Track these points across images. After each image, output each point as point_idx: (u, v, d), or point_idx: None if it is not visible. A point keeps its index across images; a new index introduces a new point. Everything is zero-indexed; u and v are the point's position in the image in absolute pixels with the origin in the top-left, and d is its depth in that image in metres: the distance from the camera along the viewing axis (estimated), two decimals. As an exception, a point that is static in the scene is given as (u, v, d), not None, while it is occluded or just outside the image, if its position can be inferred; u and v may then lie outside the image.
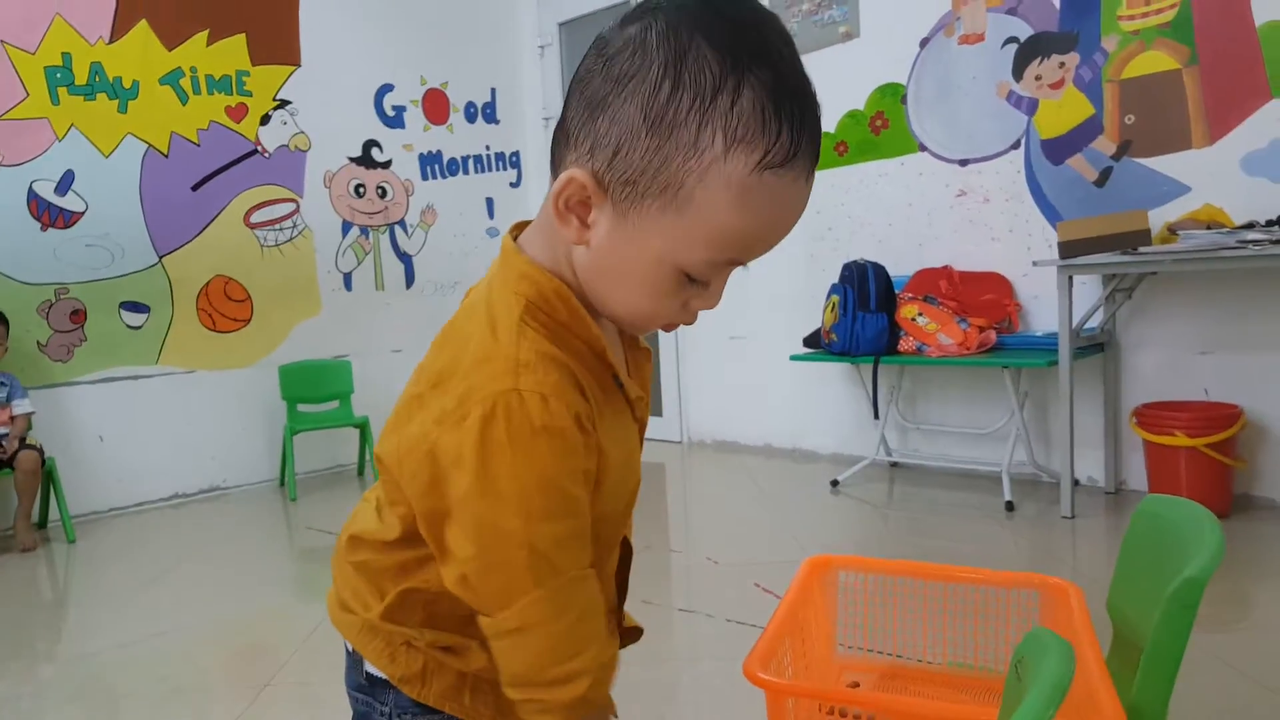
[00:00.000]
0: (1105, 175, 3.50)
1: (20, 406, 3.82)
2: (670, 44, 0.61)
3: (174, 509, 4.33)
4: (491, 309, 0.70)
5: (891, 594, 1.24)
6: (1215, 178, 3.22)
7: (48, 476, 3.83)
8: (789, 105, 0.61)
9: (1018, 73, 3.69)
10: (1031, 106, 3.67)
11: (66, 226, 4.13)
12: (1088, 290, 3.45)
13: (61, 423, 4.11)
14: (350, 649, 0.83)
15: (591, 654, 0.67)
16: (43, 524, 3.92)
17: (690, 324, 0.73)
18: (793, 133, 0.62)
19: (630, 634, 0.89)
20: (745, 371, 4.68)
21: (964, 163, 3.88)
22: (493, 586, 0.66)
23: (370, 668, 0.80)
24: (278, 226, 4.76)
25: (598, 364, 0.72)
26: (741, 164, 0.61)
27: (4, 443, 3.71)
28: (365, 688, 0.81)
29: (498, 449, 0.63)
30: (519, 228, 0.76)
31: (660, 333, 0.84)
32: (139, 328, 4.35)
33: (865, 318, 3.72)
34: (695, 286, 0.69)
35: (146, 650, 2.56)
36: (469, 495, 0.64)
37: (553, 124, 5.57)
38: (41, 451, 3.80)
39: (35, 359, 4.07)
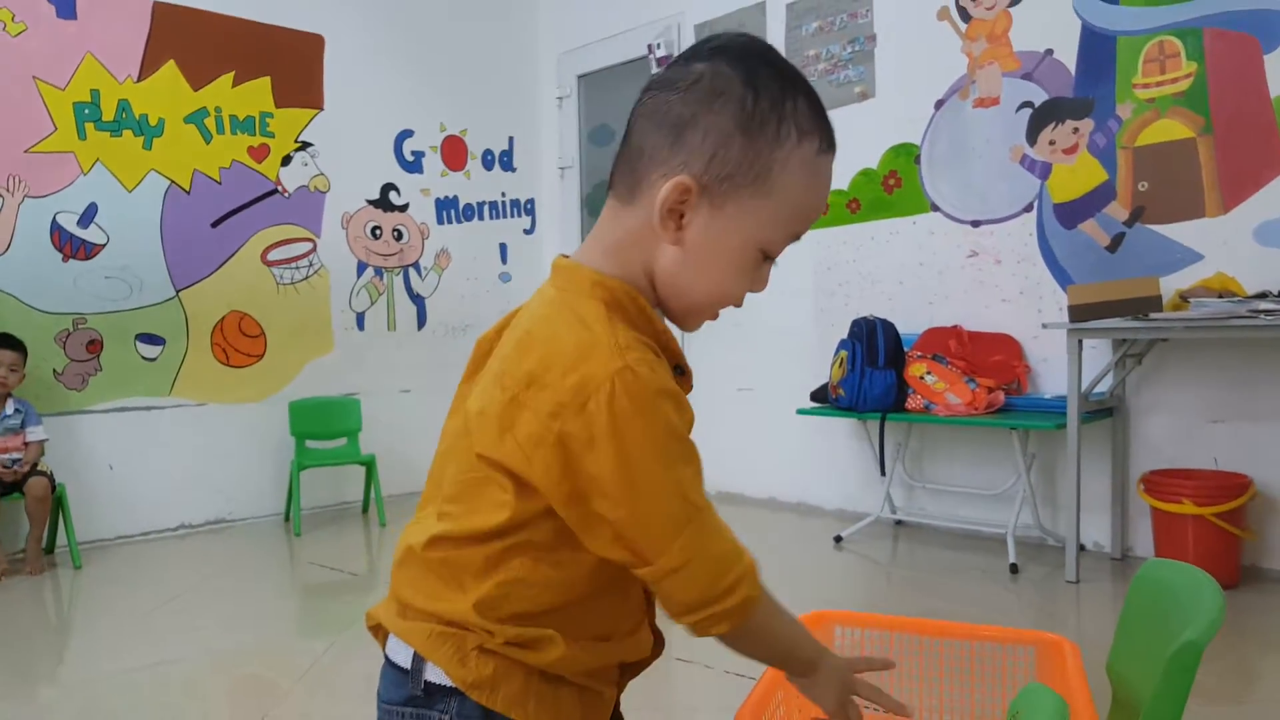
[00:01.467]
0: (1118, 241, 3.52)
1: (34, 434, 3.85)
2: (742, 69, 0.79)
3: (180, 539, 4.33)
4: (576, 311, 0.80)
5: (888, 650, 1.23)
6: (1228, 246, 3.24)
7: (57, 503, 3.85)
8: (823, 108, 0.84)
9: (1031, 137, 3.75)
10: (1045, 170, 3.72)
11: (88, 258, 4.20)
12: (1098, 354, 3.45)
13: (73, 450, 4.13)
14: (396, 662, 0.83)
15: (744, 562, 0.79)
16: (50, 549, 3.93)
17: (740, 305, 0.88)
18: (829, 126, 0.84)
19: (660, 641, 0.93)
20: (751, 424, 4.68)
21: (976, 224, 3.92)
22: (651, 535, 0.75)
23: (431, 675, 0.80)
24: (294, 265, 4.82)
25: (665, 358, 0.82)
26: (810, 148, 0.81)
27: (16, 468, 3.74)
28: (419, 699, 0.81)
29: (626, 419, 0.73)
30: (564, 258, 0.87)
31: None
32: (154, 359, 4.40)
33: (873, 374, 3.73)
34: (763, 267, 0.85)
35: (148, 678, 2.55)
36: (612, 467, 0.73)
37: (570, 173, 5.69)
38: (52, 478, 3.82)
39: (51, 387, 4.11)
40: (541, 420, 0.74)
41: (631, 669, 0.90)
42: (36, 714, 2.33)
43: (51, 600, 3.49)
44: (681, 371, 0.85)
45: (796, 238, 0.85)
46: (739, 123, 0.78)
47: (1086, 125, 3.60)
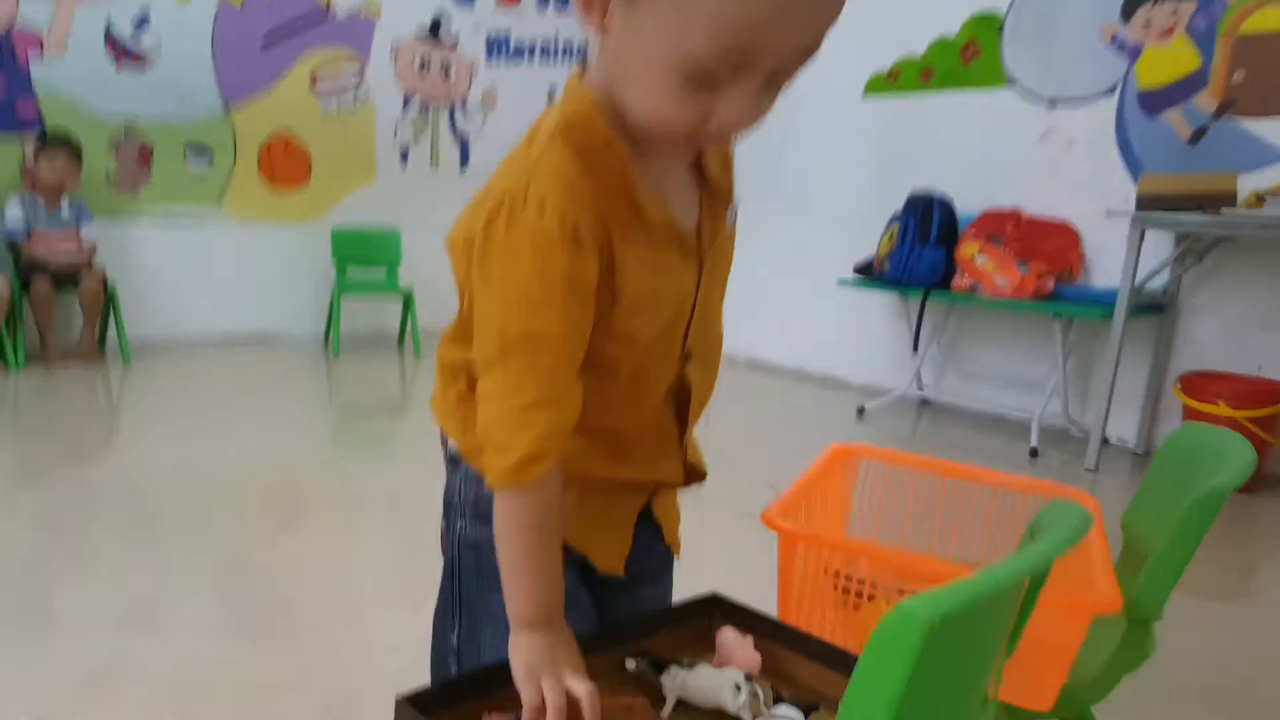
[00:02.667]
0: (1199, 134, 3.35)
1: (88, 232, 3.95)
2: None
3: (222, 349, 4.47)
4: (538, 125, 0.77)
5: (909, 488, 1.25)
6: (1315, 148, 3.07)
7: (109, 301, 3.97)
8: None
9: (1127, 15, 3.51)
10: (1135, 52, 3.50)
11: (140, 66, 4.17)
12: (1158, 250, 3.34)
13: (123, 254, 4.23)
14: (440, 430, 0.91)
15: (530, 437, 0.72)
16: (101, 345, 4.08)
17: (724, 144, 0.74)
18: None
19: (694, 474, 0.92)
20: (788, 293, 4.64)
21: (1053, 103, 3.74)
22: (479, 357, 0.76)
23: (452, 446, 0.88)
24: (341, 93, 4.75)
25: (628, 192, 0.74)
26: None
27: (71, 263, 3.84)
28: (450, 463, 0.90)
29: (495, 243, 0.71)
30: (576, 71, 0.79)
31: None
32: (203, 173, 4.42)
33: (923, 250, 3.66)
34: (715, 93, 0.66)
35: (189, 473, 2.68)
36: (474, 276, 0.74)
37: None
38: (105, 276, 3.93)
39: (103, 190, 4.17)
40: (465, 218, 0.76)
41: (659, 489, 0.90)
42: (87, 495, 2.47)
43: (102, 390, 3.66)
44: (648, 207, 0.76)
45: (747, 57, 0.63)
46: None
47: (1188, 7, 3.36)
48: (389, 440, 3.28)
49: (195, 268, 4.44)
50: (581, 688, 0.71)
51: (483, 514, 0.84)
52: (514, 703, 0.73)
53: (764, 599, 1.02)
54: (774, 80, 0.67)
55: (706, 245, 0.82)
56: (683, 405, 0.88)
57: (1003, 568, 0.48)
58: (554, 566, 0.77)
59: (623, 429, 0.84)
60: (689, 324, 0.84)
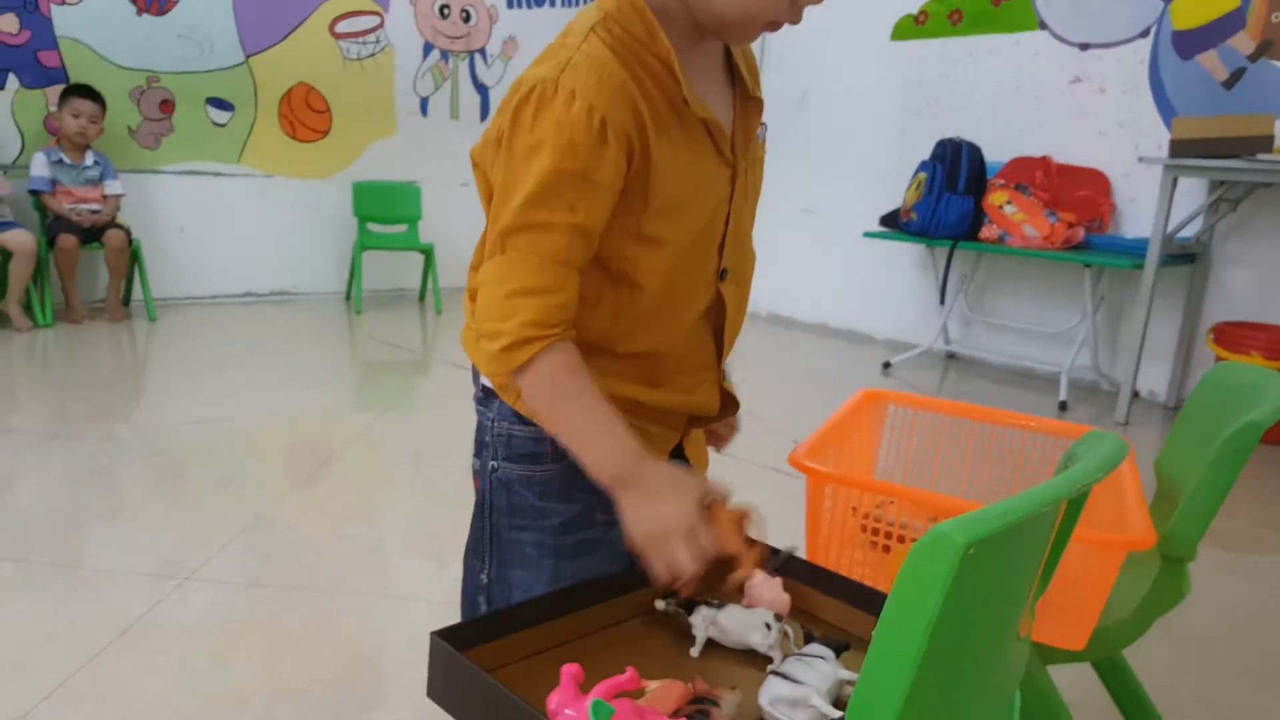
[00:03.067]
0: (1236, 76, 3.25)
1: (112, 187, 3.96)
2: None
3: (245, 305, 4.50)
4: (576, 20, 0.77)
5: (938, 433, 1.24)
6: (1357, 89, 2.98)
7: (133, 257, 3.99)
8: None
9: (1161, -48, 3.40)
10: (1170, -9, 3.39)
11: (161, 13, 4.14)
12: (1190, 198, 3.27)
13: (147, 208, 4.24)
14: (471, 364, 0.90)
15: (516, 323, 0.72)
16: (126, 301, 4.11)
17: (796, 22, 0.75)
18: None
19: (729, 401, 0.92)
20: (811, 246, 4.59)
21: (1085, 47, 3.64)
22: (487, 241, 0.76)
23: (484, 379, 0.87)
24: (361, 39, 4.70)
25: (669, 81, 0.75)
26: None
27: (96, 218, 3.85)
28: (481, 398, 0.89)
29: (520, 129, 0.72)
30: None
31: None
32: (224, 125, 4.41)
33: (951, 199, 3.60)
34: None
35: (213, 428, 2.71)
36: (498, 166, 0.74)
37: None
38: (129, 232, 3.94)
39: (126, 143, 4.17)
40: (496, 119, 0.76)
41: (696, 420, 0.89)
42: (117, 451, 2.50)
43: (129, 346, 3.69)
44: (686, 101, 0.76)
45: None
46: None
47: (1228, -58, 3.24)
48: (411, 395, 3.30)
49: (217, 223, 4.45)
50: (691, 552, 0.71)
51: (516, 453, 0.85)
52: (545, 637, 0.73)
53: (794, 532, 1.02)
54: None
55: (740, 151, 0.82)
56: (719, 327, 0.87)
57: (1038, 491, 0.48)
58: (603, 416, 0.75)
59: (658, 351, 0.83)
60: (724, 236, 0.83)
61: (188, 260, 4.39)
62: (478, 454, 0.89)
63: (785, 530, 1.06)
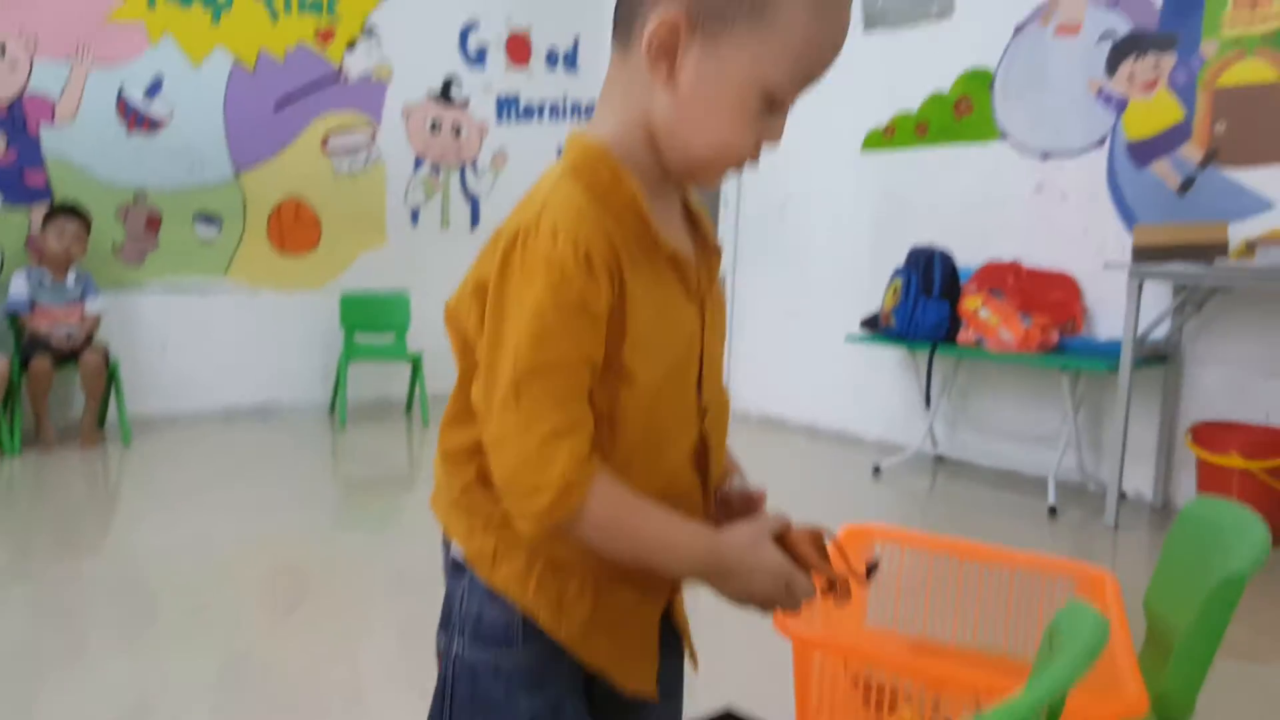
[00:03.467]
0: (1188, 183, 3.39)
1: (92, 306, 3.94)
2: None
3: (226, 422, 4.46)
4: (543, 177, 0.80)
5: (927, 571, 1.25)
6: (1307, 196, 3.11)
7: (110, 377, 3.94)
8: None
9: (1111, 69, 3.58)
10: (1121, 105, 3.56)
11: (151, 132, 4.24)
12: (1157, 299, 3.36)
13: (128, 326, 4.24)
14: (443, 533, 0.88)
15: (559, 469, 0.71)
16: (101, 423, 4.05)
17: (756, 162, 0.79)
18: None
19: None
20: (798, 349, 4.66)
21: (1045, 156, 3.79)
22: (489, 396, 0.73)
23: (455, 550, 0.84)
24: (353, 154, 4.83)
25: (637, 223, 0.77)
26: None
27: (73, 339, 3.83)
28: (451, 570, 0.85)
29: (511, 271, 0.72)
30: (575, 130, 0.84)
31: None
32: (211, 241, 4.47)
33: (927, 304, 3.68)
34: (771, 116, 0.76)
35: (187, 556, 2.64)
36: (488, 312, 0.73)
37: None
38: (107, 353, 3.91)
39: (109, 260, 4.20)
40: (474, 267, 0.77)
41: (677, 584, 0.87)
42: (81, 585, 2.42)
43: (100, 474, 3.61)
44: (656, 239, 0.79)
45: (809, 81, 0.75)
46: None
47: (1168, 61, 3.43)
48: (395, 515, 3.26)
49: (199, 339, 4.45)
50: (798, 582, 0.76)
51: (485, 636, 0.81)
52: None
53: (784, 698, 1.01)
54: (812, 83, 0.77)
55: (705, 289, 0.84)
56: (705, 469, 0.86)
57: (1017, 704, 0.49)
58: (666, 520, 0.76)
59: (647, 495, 0.79)
60: (700, 373, 0.84)
61: (168, 378, 4.37)
62: (443, 626, 0.85)
63: (780, 674, 1.04)
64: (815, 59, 0.74)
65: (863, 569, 0.81)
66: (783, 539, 0.79)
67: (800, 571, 0.77)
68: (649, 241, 0.77)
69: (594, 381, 0.75)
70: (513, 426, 0.71)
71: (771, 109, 0.75)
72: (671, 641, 0.88)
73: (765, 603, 0.77)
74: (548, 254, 0.70)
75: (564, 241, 0.71)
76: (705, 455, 0.86)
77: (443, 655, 0.85)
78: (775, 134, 0.78)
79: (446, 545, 0.86)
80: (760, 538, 0.77)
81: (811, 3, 0.72)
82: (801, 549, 0.79)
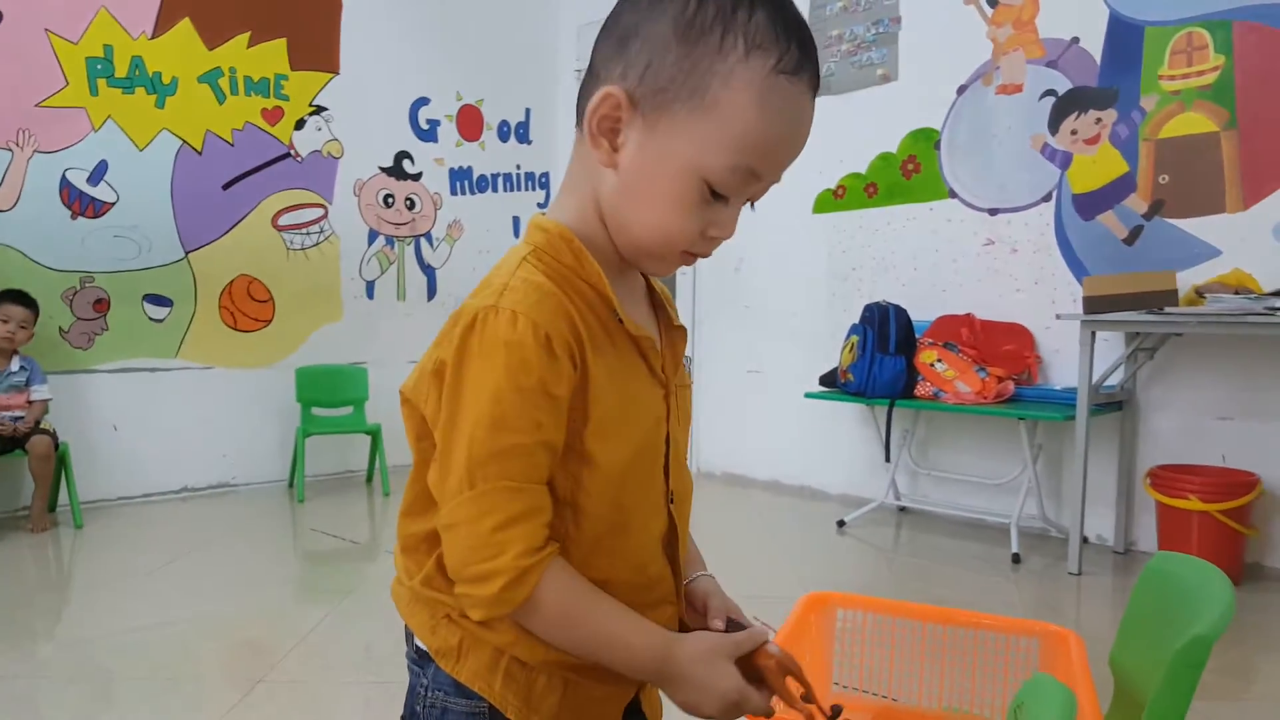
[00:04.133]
0: (1135, 234, 3.48)
1: (39, 392, 3.86)
2: None
3: (182, 502, 4.34)
4: (505, 257, 0.79)
5: (890, 635, 1.22)
6: (1246, 243, 3.20)
7: (60, 462, 3.85)
8: (794, 25, 0.71)
9: (1053, 126, 3.69)
10: (1065, 160, 3.67)
11: (96, 216, 4.19)
12: (1110, 347, 3.42)
13: (77, 409, 4.14)
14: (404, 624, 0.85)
15: (509, 557, 0.69)
16: (52, 508, 3.94)
17: (707, 255, 0.78)
18: (800, 47, 0.71)
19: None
20: (759, 406, 4.66)
21: (994, 212, 3.88)
22: (444, 481, 0.72)
23: (418, 641, 0.82)
24: (305, 231, 4.81)
25: (601, 305, 0.76)
26: (760, 66, 0.69)
27: (19, 426, 3.74)
28: (414, 660, 0.83)
29: (470, 354, 0.71)
30: (538, 212, 0.85)
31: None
32: (161, 321, 4.40)
33: (883, 360, 3.71)
34: (715, 207, 0.74)
35: (145, 639, 2.56)
36: (446, 395, 0.72)
37: (584, 147, 5.64)
38: (55, 437, 3.82)
39: (56, 344, 4.11)
40: (431, 351, 0.76)
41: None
42: (34, 671, 2.34)
43: (52, 559, 3.51)
44: (620, 318, 0.78)
45: (755, 176, 0.73)
46: (676, 29, 0.70)
47: (1110, 116, 3.54)
48: (358, 587, 3.17)
49: (153, 420, 4.36)
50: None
51: None
52: None
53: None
54: (754, 196, 0.76)
55: (671, 371, 0.83)
56: (674, 556, 0.84)
57: None
58: (622, 617, 0.74)
59: (610, 581, 0.77)
60: (667, 458, 0.82)
61: (120, 459, 4.26)
62: (409, 719, 0.83)
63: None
64: (761, 154, 0.72)
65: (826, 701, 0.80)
66: (750, 657, 0.77)
67: (757, 692, 0.75)
68: (613, 324, 0.76)
69: (554, 466, 0.73)
70: (466, 513, 0.70)
71: (715, 199, 0.73)
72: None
73: (715, 715, 0.74)
74: (507, 337, 0.70)
75: (524, 324, 0.70)
76: (674, 541, 0.84)
77: None
78: (721, 226, 0.75)
79: (409, 637, 0.84)
80: (717, 656, 0.75)
81: (754, 95, 0.70)
82: (770, 676, 0.77)
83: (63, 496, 3.95)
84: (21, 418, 3.76)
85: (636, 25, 0.72)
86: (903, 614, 1.21)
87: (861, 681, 1.20)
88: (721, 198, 0.74)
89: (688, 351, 0.91)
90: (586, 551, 0.76)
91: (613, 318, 0.76)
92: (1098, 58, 3.56)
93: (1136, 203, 3.48)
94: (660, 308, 0.87)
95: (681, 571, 0.87)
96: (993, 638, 1.14)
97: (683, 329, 0.88)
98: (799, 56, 0.71)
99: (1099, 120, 3.57)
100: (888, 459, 3.90)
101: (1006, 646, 1.14)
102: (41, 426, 3.82)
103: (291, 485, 4.59)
